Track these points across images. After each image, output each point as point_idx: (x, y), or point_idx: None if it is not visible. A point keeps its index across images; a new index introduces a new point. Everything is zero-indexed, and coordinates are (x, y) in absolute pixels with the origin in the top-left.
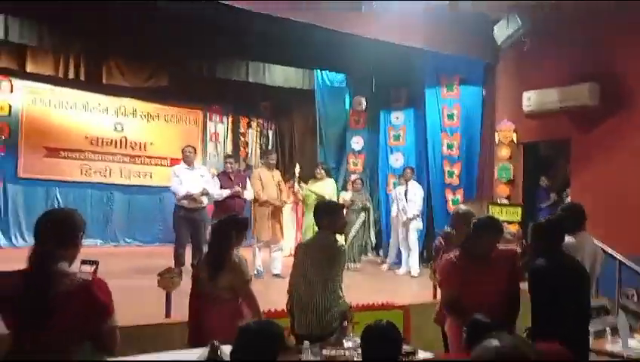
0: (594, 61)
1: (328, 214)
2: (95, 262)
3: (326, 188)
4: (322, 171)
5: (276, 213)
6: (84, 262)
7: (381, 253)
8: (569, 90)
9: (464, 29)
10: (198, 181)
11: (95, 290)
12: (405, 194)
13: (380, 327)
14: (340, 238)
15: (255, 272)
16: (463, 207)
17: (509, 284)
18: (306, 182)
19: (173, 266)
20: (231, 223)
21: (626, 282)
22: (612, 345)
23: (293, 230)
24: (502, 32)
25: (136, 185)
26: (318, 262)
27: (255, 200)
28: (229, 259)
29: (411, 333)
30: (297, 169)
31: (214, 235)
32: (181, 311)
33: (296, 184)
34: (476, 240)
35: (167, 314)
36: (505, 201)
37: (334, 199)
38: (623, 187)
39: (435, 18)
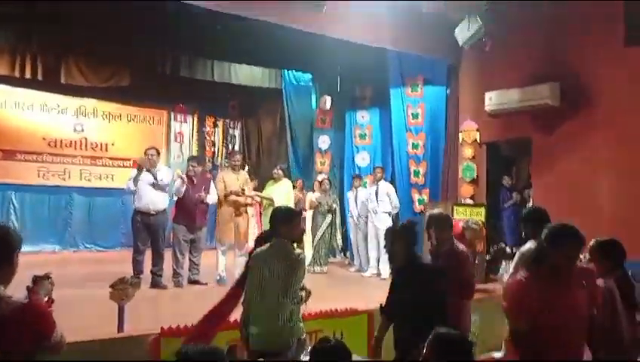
0: (554, 61)
1: (285, 222)
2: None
3: (279, 189)
4: (280, 172)
5: (241, 215)
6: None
7: (348, 254)
8: (530, 91)
9: (427, 29)
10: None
11: (30, 315)
12: (376, 195)
13: (326, 349)
14: (307, 242)
15: (217, 278)
16: (436, 210)
17: (590, 309)
18: (265, 183)
19: (131, 273)
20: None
21: None
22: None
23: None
24: (463, 33)
25: (97, 188)
26: (276, 272)
27: (218, 202)
28: None
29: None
30: (245, 171)
31: None
32: (136, 324)
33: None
34: (555, 254)
35: (120, 329)
36: (469, 201)
37: (288, 201)
38: (584, 186)
39: (399, 18)
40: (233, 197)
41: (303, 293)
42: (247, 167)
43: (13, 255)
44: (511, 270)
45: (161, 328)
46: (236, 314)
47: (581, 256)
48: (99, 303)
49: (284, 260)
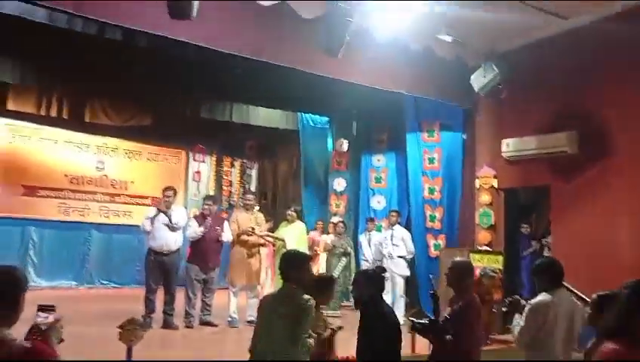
0: (571, 109)
1: (294, 267)
2: (52, 308)
3: (292, 230)
4: (293, 214)
5: (253, 256)
6: (40, 309)
7: None
8: (547, 138)
9: (444, 75)
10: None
11: (34, 359)
12: (391, 239)
13: None
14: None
15: (229, 319)
16: (459, 258)
17: None
18: (278, 225)
19: (142, 312)
20: None
21: None
22: None
23: (270, 275)
24: (479, 80)
25: (115, 225)
26: (285, 317)
27: (232, 243)
28: None
29: None
30: (258, 211)
31: None
32: None
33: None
34: None
35: None
36: (486, 248)
37: (301, 243)
38: (604, 234)
39: (415, 64)
40: (244, 237)
41: (312, 340)
42: (257, 207)
43: (19, 296)
44: (521, 323)
45: None
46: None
47: None
48: (109, 342)
49: (293, 306)
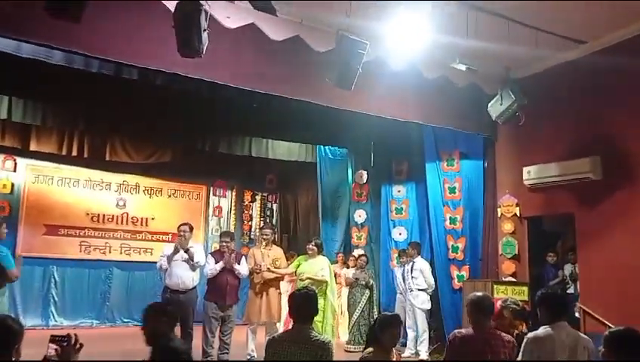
0: (594, 134)
1: (306, 304)
2: (65, 339)
3: (316, 265)
4: (315, 247)
5: (272, 293)
6: (52, 340)
7: None
8: (570, 165)
9: (460, 104)
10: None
11: None
12: (411, 271)
13: None
14: (344, 319)
15: (247, 357)
16: (478, 293)
17: None
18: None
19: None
20: None
21: None
22: None
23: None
24: (496, 107)
25: (137, 261)
26: (295, 359)
27: (250, 280)
28: None
29: None
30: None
31: None
32: None
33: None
34: None
35: None
36: (511, 279)
37: (326, 276)
38: (632, 261)
39: (431, 93)
40: (262, 275)
41: None
42: (266, 237)
43: (13, 349)
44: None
45: None
46: None
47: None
48: None
49: (312, 348)
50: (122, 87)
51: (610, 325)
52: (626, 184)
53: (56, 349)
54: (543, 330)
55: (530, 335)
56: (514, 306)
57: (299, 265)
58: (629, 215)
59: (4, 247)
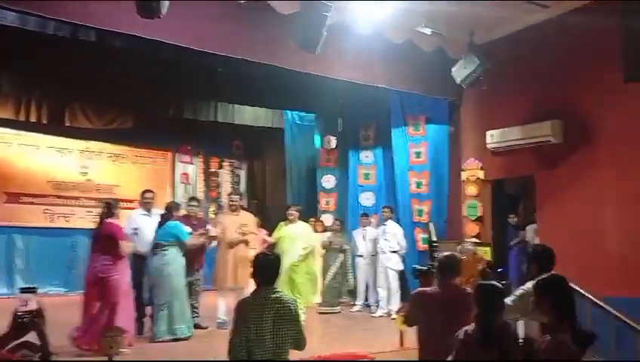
0: (555, 99)
1: (269, 267)
2: (33, 290)
3: (296, 230)
4: (295, 213)
5: (240, 258)
6: (22, 290)
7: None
8: (532, 128)
9: (426, 68)
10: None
11: None
12: (383, 234)
13: None
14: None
15: (218, 321)
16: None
17: None
18: (276, 225)
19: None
20: None
21: (597, 323)
22: None
23: None
24: (460, 71)
25: None
26: (281, 320)
27: (218, 245)
28: None
29: None
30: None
31: None
32: None
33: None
34: None
35: None
36: (474, 240)
37: (311, 241)
38: (589, 223)
39: (397, 58)
40: (242, 238)
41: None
42: (234, 203)
43: None
44: (508, 302)
45: None
46: None
47: None
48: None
49: (272, 305)
50: (80, 50)
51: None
52: (586, 148)
53: (26, 302)
54: (530, 284)
55: (525, 287)
56: (469, 248)
57: (280, 231)
58: (587, 177)
59: None
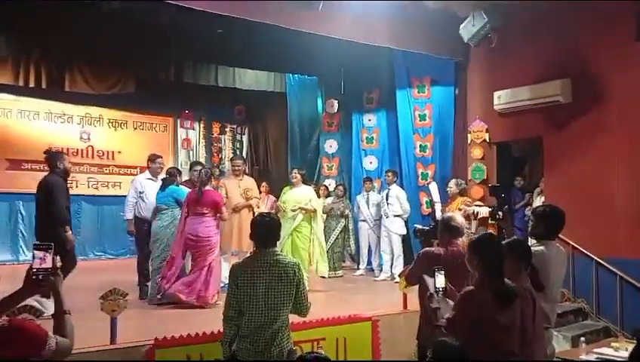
0: (565, 58)
1: (266, 228)
2: (49, 247)
3: (303, 194)
4: (298, 175)
5: (243, 222)
6: (36, 248)
7: (355, 258)
8: (540, 88)
9: (433, 27)
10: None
11: (13, 335)
12: (387, 198)
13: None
14: (320, 246)
15: (221, 285)
16: (447, 214)
17: None
18: (281, 189)
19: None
20: None
21: (603, 284)
22: (586, 356)
23: None
24: (468, 29)
25: (105, 196)
26: (277, 283)
27: None
28: None
29: (381, 347)
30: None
31: None
32: (131, 335)
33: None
34: None
35: (112, 341)
36: (479, 203)
37: (315, 204)
38: (596, 185)
39: (402, 17)
40: (251, 203)
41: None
42: (238, 168)
43: None
44: None
45: (155, 339)
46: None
47: None
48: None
49: (272, 268)
50: (79, 12)
51: (575, 246)
52: (595, 106)
53: (41, 258)
54: (538, 248)
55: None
56: (461, 185)
57: (285, 195)
58: (597, 136)
59: None
